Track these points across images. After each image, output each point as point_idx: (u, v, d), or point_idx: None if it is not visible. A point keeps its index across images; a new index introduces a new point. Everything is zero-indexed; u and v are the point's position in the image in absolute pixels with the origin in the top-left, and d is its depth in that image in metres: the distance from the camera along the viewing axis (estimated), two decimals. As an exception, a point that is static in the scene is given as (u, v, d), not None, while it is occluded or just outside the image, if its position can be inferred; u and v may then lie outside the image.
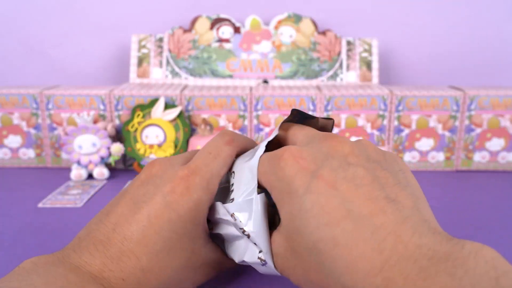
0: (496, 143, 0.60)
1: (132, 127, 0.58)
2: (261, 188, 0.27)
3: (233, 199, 0.27)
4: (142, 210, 0.25)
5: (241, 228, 0.26)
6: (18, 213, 0.46)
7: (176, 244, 0.26)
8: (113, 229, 0.25)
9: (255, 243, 0.26)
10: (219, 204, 0.27)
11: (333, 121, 0.31)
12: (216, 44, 0.69)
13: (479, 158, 0.60)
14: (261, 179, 0.26)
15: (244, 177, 0.27)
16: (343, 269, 0.20)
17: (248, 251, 0.26)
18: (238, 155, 0.30)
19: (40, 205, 0.48)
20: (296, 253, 0.23)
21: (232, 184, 0.28)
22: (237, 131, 0.28)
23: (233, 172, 0.28)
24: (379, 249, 0.19)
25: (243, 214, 0.26)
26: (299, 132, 0.28)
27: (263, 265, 0.26)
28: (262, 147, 0.27)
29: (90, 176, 0.58)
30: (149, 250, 0.25)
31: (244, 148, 0.31)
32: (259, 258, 0.25)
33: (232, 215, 0.26)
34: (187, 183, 0.26)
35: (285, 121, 0.30)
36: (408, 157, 0.61)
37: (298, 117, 0.30)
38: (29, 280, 0.21)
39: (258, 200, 0.25)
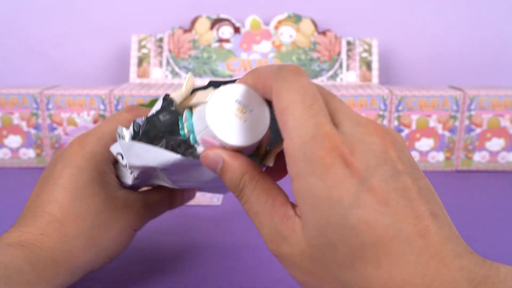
0: (496, 143, 0.60)
1: (132, 127, 0.58)
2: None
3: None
4: (49, 182, 0.29)
5: (124, 166, 0.28)
6: (18, 213, 0.46)
7: (85, 191, 0.29)
8: (28, 209, 0.29)
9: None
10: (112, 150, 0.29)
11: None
12: (216, 44, 0.69)
13: (479, 158, 0.60)
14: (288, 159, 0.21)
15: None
16: None
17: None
18: None
19: (40, 205, 0.48)
20: (319, 264, 0.21)
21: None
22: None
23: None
24: (422, 273, 0.18)
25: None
26: (341, 109, 0.22)
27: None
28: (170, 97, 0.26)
29: (90, 176, 0.58)
30: (60, 205, 0.28)
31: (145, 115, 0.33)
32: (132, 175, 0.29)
33: (119, 155, 0.28)
34: (79, 142, 0.30)
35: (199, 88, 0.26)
36: (408, 157, 0.61)
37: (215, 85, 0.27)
38: None
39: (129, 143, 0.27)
